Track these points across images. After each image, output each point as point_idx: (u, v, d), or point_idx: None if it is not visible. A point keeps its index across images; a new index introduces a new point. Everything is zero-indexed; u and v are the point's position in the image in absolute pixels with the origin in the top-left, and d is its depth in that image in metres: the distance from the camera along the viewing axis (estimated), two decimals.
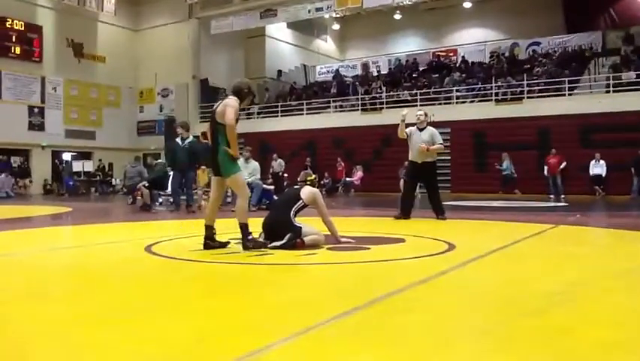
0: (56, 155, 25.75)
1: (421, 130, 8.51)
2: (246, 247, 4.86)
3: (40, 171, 24.62)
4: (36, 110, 24.88)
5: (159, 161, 12.99)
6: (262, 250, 4.83)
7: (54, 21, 25.56)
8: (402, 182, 20.59)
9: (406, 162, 8.88)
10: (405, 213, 8.52)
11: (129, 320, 2.58)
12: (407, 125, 8.60)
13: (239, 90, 5.18)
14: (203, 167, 10.89)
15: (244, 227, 4.90)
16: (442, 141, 8.59)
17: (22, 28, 24.26)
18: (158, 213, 11.08)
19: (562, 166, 17.06)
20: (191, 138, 11.08)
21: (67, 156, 26.01)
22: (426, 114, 8.74)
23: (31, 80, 24.70)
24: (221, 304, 2.99)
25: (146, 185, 11.84)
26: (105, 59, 27.52)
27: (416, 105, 21.92)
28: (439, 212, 8.53)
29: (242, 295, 3.30)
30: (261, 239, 5.03)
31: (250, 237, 4.89)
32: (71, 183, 23.45)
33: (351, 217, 9.40)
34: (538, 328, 2.38)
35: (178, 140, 11.09)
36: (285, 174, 21.96)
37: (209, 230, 5.04)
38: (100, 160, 25.93)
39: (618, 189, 16.59)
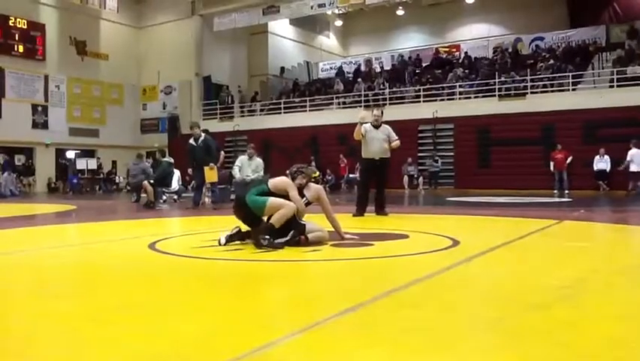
0: (60, 153, 25.81)
1: (376, 128, 8.55)
2: (259, 245, 4.79)
3: (44, 169, 24.70)
4: (39, 108, 24.95)
5: (165, 159, 12.98)
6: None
7: (57, 19, 25.61)
8: (405, 178, 20.66)
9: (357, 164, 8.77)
10: (362, 211, 8.50)
11: (135, 317, 2.59)
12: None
13: (292, 175, 5.43)
14: (211, 164, 10.88)
15: (271, 227, 4.89)
16: (397, 137, 8.63)
17: (25, 27, 24.31)
18: (162, 211, 11.11)
19: (568, 161, 17.03)
20: (203, 136, 11.11)
21: (70, 154, 26.07)
22: (382, 113, 8.77)
23: (35, 79, 24.76)
24: (226, 300, 3.00)
25: (152, 182, 11.84)
26: (108, 56, 27.57)
27: (419, 102, 21.97)
28: (381, 208, 8.56)
29: (247, 291, 3.30)
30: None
31: (268, 237, 4.85)
32: (75, 181, 23.51)
33: None
34: (543, 322, 2.39)
35: (191, 140, 11.12)
36: (288, 171, 21.79)
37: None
38: (98, 158, 25.88)
39: (623, 185, 16.53)
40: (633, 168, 15.72)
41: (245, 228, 5.20)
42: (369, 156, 8.56)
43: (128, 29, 28.48)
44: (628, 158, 15.81)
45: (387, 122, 8.75)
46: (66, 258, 4.84)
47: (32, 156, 24.81)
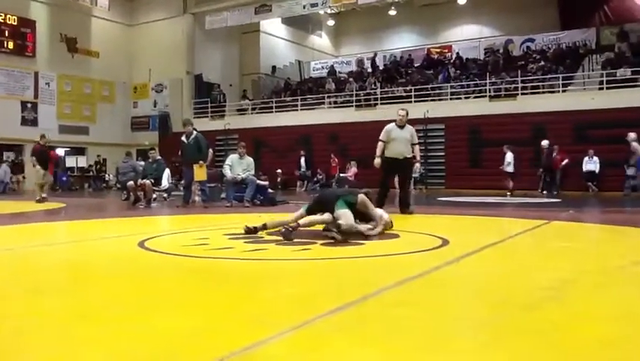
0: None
1: (400, 127, 8.69)
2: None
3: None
4: (29, 105, 24.77)
5: (159, 157, 12.97)
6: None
7: (47, 16, 25.43)
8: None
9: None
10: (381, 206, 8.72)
11: (124, 315, 2.58)
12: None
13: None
14: (201, 162, 10.87)
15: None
16: (417, 141, 8.92)
17: (16, 23, 24.14)
18: (152, 209, 11.06)
19: (564, 163, 17.13)
20: (194, 134, 11.10)
21: (60, 152, 25.88)
22: (407, 113, 8.94)
23: (25, 75, 24.59)
24: (215, 299, 2.99)
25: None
26: (99, 54, 27.42)
27: (410, 102, 22.00)
28: (406, 206, 8.72)
29: (236, 290, 3.29)
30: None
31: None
32: (65, 178, 23.34)
33: None
34: (531, 322, 2.40)
35: (183, 138, 11.12)
36: (279, 170, 22.04)
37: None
38: (98, 155, 25.67)
39: (611, 186, 16.65)
40: (509, 169, 16.58)
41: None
42: (392, 155, 8.66)
43: (119, 27, 28.33)
44: (508, 160, 16.49)
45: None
46: (55, 256, 4.81)
47: (22, 153, 24.61)
